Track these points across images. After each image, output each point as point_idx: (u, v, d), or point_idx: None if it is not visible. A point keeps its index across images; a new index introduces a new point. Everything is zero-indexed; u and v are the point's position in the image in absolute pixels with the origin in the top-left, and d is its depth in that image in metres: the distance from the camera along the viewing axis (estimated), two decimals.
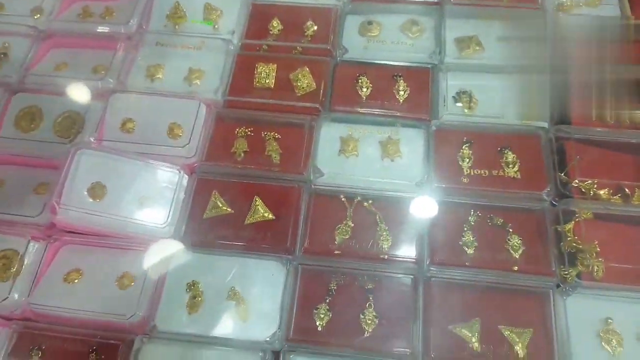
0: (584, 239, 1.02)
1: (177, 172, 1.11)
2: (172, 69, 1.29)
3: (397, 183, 1.12)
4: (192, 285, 1.00)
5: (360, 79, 1.25)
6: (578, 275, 1.00)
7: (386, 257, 1.05)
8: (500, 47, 1.28)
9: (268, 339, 0.97)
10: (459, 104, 1.21)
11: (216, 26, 1.35)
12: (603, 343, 0.94)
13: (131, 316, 0.98)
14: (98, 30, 1.35)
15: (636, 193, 1.08)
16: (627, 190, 1.08)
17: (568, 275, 1.00)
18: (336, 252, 1.06)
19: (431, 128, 1.17)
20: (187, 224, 1.09)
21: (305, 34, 1.35)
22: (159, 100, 1.22)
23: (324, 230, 1.09)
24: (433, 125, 1.18)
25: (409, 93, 1.24)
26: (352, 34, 1.35)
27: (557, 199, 1.08)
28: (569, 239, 1.02)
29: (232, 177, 1.14)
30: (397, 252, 1.06)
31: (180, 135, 1.18)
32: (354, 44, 1.33)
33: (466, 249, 1.04)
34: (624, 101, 1.17)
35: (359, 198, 1.12)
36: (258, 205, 1.11)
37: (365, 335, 0.97)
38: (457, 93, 1.23)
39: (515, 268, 1.01)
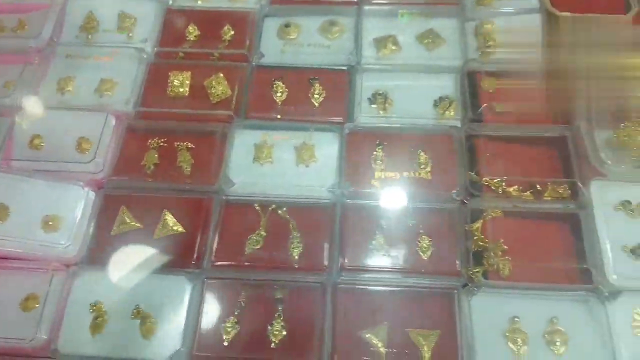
0: (490, 238, 1.02)
1: (81, 189, 1.08)
2: (83, 81, 1.26)
3: (311, 189, 1.11)
4: (94, 306, 0.98)
5: (276, 84, 1.23)
6: (484, 275, 1.00)
7: (297, 265, 1.04)
8: (417, 46, 1.27)
9: (170, 357, 0.96)
10: (374, 106, 1.20)
11: (130, 35, 1.32)
12: (509, 342, 0.93)
13: (31, 340, 0.96)
14: (9, 44, 1.31)
15: (549, 188, 1.09)
16: (538, 186, 1.08)
17: (474, 275, 1.00)
18: (246, 263, 1.04)
19: (344, 131, 1.17)
20: (93, 241, 1.06)
21: (223, 39, 1.33)
22: (67, 115, 1.20)
23: (234, 242, 1.07)
24: (346, 128, 1.16)
25: (325, 96, 1.22)
26: (271, 37, 1.33)
27: (467, 198, 1.08)
28: (475, 237, 1.02)
29: (141, 191, 1.12)
30: (308, 260, 1.04)
31: (89, 150, 1.16)
32: (272, 47, 1.31)
33: (376, 252, 1.04)
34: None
35: (273, 206, 1.11)
36: (167, 218, 1.08)
37: (271, 347, 0.96)
38: (373, 94, 1.21)
39: (423, 270, 1.01)
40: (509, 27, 1.29)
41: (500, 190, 1.07)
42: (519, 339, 0.94)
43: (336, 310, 0.99)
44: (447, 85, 1.22)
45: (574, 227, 1.04)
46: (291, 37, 1.31)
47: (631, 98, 1.18)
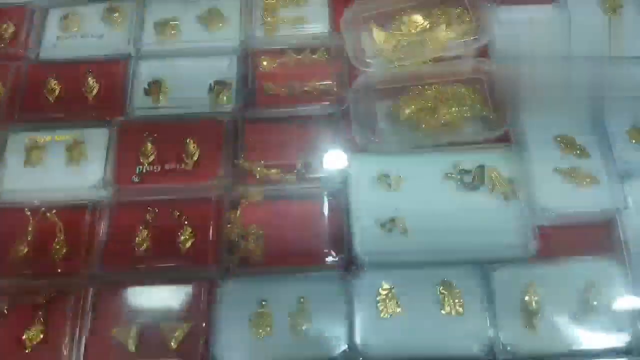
0: (246, 224, 1.03)
1: None
2: None
3: (78, 189, 1.08)
4: None
5: (50, 81, 1.18)
6: (239, 261, 1.00)
7: (60, 269, 1.03)
8: (198, 27, 1.22)
9: None
10: (149, 96, 1.17)
11: None
12: (253, 327, 0.94)
13: None
14: None
15: (313, 169, 1.06)
16: (302, 167, 1.06)
17: (230, 263, 1.00)
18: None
19: (114, 126, 1.13)
20: None
21: (4, 37, 1.27)
22: None
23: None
24: (116, 123, 1.13)
25: (99, 89, 1.18)
26: (53, 30, 1.26)
27: (230, 185, 1.06)
28: (229, 225, 1.02)
29: None
30: (68, 263, 1.02)
31: None
32: (51, 41, 1.24)
33: (138, 248, 1.03)
34: None
35: (42, 209, 1.10)
36: None
37: None
38: (149, 83, 1.18)
39: (182, 263, 1.01)
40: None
41: (261, 175, 1.06)
42: (263, 323, 0.95)
43: (96, 311, 0.98)
44: (225, 68, 1.18)
45: (335, 205, 1.04)
46: (72, 29, 1.25)
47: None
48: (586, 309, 0.92)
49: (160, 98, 1.16)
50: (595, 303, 0.92)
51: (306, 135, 1.11)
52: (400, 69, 1.15)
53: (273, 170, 1.07)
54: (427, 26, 1.19)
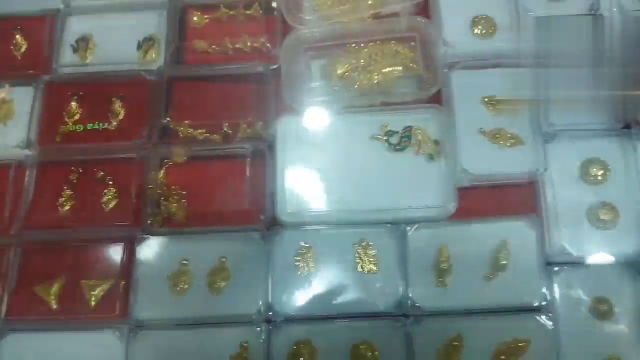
0: (169, 184, 1.02)
1: None
2: None
3: (3, 148, 1.06)
4: None
5: None
6: (161, 221, 1.00)
7: None
8: None
9: None
10: (77, 53, 1.14)
11: None
12: (172, 285, 0.95)
13: None
14: None
15: (240, 129, 1.05)
16: (226, 128, 1.05)
17: (152, 222, 1.00)
18: None
19: (40, 84, 1.10)
20: None
21: None
22: None
23: None
24: (41, 81, 1.10)
25: (27, 47, 1.15)
26: None
27: (157, 144, 1.05)
28: (150, 186, 1.01)
29: None
30: None
31: None
32: None
33: (61, 208, 1.02)
34: None
35: None
36: None
37: None
38: (76, 40, 1.15)
39: (105, 223, 1.01)
40: None
41: (185, 134, 1.05)
42: (182, 281, 0.96)
43: (21, 267, 0.99)
44: (155, 23, 1.15)
45: (260, 165, 1.03)
46: None
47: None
48: (496, 267, 0.93)
49: (88, 55, 1.14)
50: (504, 262, 0.92)
51: (234, 94, 1.09)
52: (335, 26, 1.13)
53: (198, 131, 1.06)
54: None
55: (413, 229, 0.96)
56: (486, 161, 0.99)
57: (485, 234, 0.96)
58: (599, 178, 0.98)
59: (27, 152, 1.07)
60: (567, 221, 0.97)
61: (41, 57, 1.15)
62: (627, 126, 1.04)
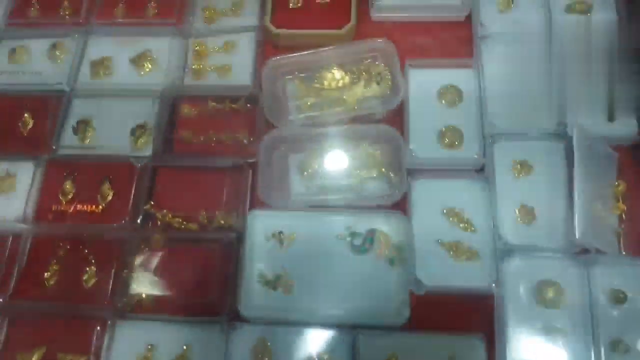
0: (142, 268, 1.09)
1: None
2: None
3: (3, 220, 1.16)
4: None
5: None
6: (132, 306, 1.07)
7: None
8: (130, 69, 1.28)
9: None
10: (76, 134, 1.24)
11: None
12: None
13: None
14: None
15: (216, 219, 1.12)
16: (204, 218, 1.11)
17: (123, 306, 1.07)
18: None
19: (41, 162, 1.20)
20: None
21: None
22: None
23: None
24: (43, 159, 1.20)
25: (33, 124, 1.25)
26: (3, 63, 1.33)
27: (138, 229, 1.13)
28: (126, 270, 1.09)
29: None
30: None
31: None
32: None
33: (47, 283, 1.10)
34: None
35: None
36: None
37: None
38: (77, 122, 1.25)
39: (82, 300, 1.09)
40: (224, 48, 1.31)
41: (164, 221, 1.12)
42: None
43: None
44: (148, 111, 1.24)
45: (228, 256, 1.09)
46: (19, 61, 1.32)
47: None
48: None
49: (87, 137, 1.24)
50: None
51: (213, 185, 1.16)
52: (315, 129, 1.19)
53: (176, 219, 1.14)
54: (347, 82, 1.25)
55: (362, 334, 0.99)
56: (440, 273, 1.03)
57: (434, 346, 1.00)
58: (553, 301, 1.00)
59: (23, 225, 1.17)
60: (519, 341, 0.99)
61: (45, 136, 1.24)
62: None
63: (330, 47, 1.25)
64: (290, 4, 1.32)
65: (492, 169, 1.09)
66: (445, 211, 1.07)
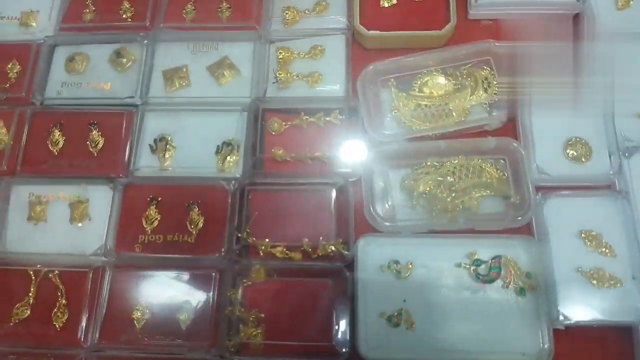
0: (247, 305, 0.99)
1: None
2: None
3: (78, 251, 1.05)
4: None
5: (53, 131, 1.14)
6: (238, 346, 0.97)
7: (57, 340, 1.01)
8: (208, 79, 1.15)
9: None
10: (155, 154, 1.11)
11: None
12: None
13: None
14: None
15: (320, 247, 1.01)
16: (307, 246, 1.00)
17: (230, 346, 0.97)
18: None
19: (119, 186, 1.09)
20: None
21: (9, 76, 1.22)
22: None
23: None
24: (120, 182, 1.09)
25: (104, 143, 1.13)
26: (58, 71, 1.21)
27: (232, 261, 1.02)
28: (230, 308, 0.98)
29: None
30: (65, 332, 1.00)
31: None
32: (55, 85, 1.19)
33: (137, 325, 0.99)
34: None
35: (45, 270, 1.07)
36: None
37: None
38: (155, 140, 1.13)
39: (179, 341, 0.97)
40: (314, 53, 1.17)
41: (265, 252, 1.01)
42: None
43: None
44: (234, 126, 1.12)
45: (340, 286, 0.99)
46: (78, 70, 1.19)
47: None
48: None
49: (167, 156, 1.11)
50: None
51: (314, 208, 1.05)
52: (417, 140, 1.08)
53: (278, 248, 1.03)
54: (451, 88, 1.14)
55: None
56: (584, 306, 0.93)
57: None
58: None
59: (104, 259, 1.06)
60: None
61: (118, 155, 1.12)
62: None
63: (435, 50, 1.13)
64: (385, 3, 1.18)
65: (630, 186, 0.99)
66: (582, 234, 0.99)
